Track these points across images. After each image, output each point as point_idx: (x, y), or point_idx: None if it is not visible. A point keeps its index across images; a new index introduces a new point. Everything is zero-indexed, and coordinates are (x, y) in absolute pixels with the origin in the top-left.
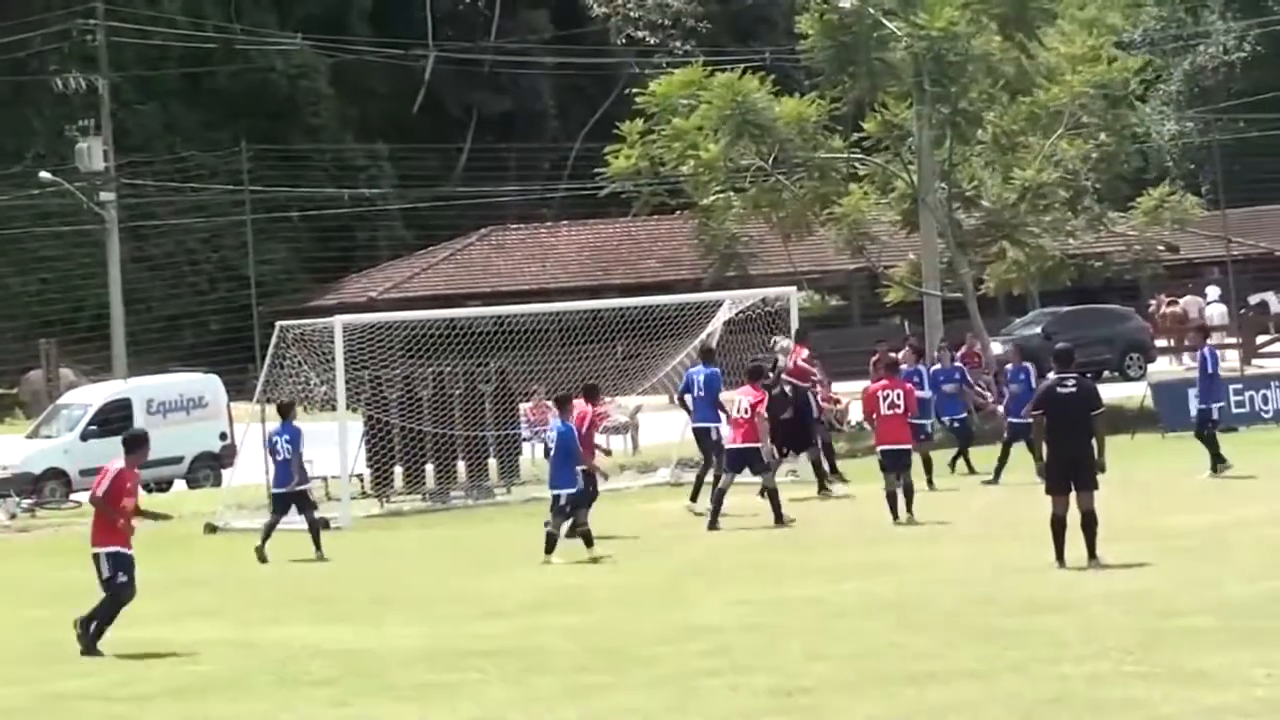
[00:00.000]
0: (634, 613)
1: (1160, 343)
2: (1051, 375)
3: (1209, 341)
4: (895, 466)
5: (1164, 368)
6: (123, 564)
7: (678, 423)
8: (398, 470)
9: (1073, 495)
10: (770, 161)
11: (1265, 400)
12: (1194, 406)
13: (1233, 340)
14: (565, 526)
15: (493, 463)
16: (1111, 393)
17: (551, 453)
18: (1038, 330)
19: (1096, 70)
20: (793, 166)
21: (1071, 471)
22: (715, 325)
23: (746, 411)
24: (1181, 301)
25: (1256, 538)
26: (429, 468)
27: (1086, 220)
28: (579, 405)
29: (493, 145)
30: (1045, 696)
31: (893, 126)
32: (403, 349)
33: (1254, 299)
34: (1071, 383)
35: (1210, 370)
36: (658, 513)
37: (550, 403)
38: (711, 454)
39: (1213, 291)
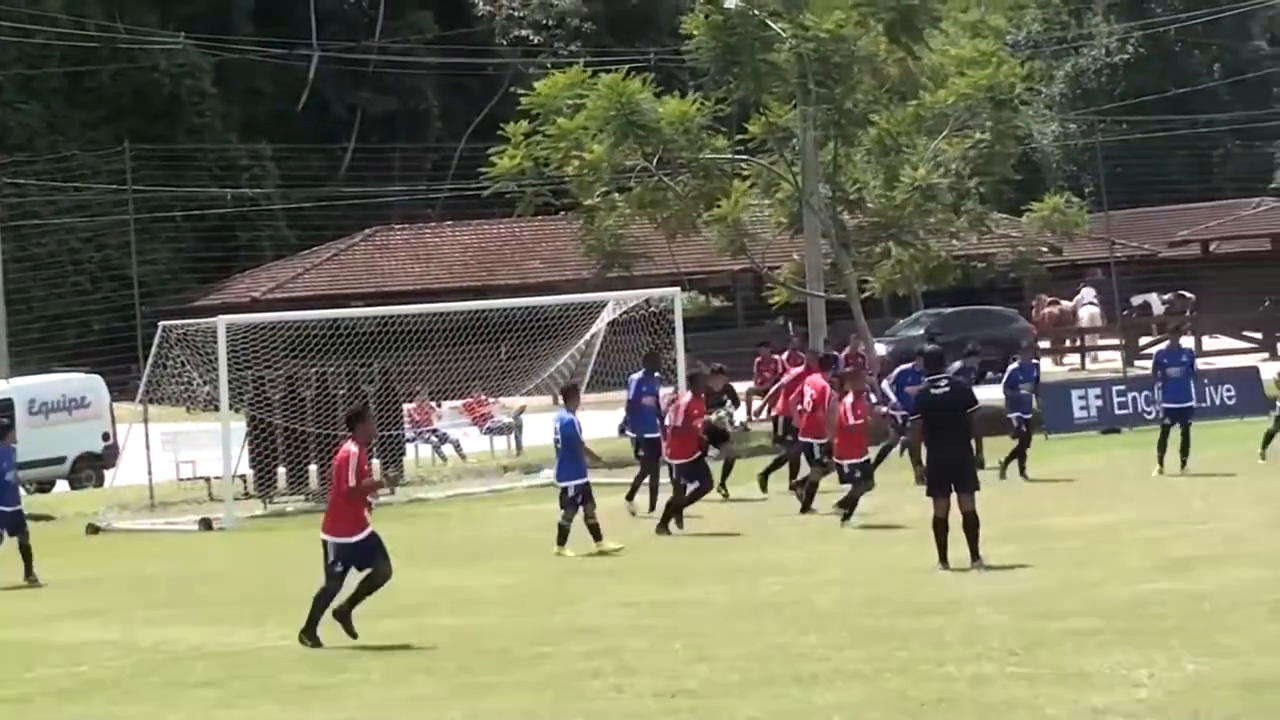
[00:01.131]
0: (519, 613)
1: (1043, 344)
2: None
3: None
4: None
5: (1047, 369)
6: (344, 554)
7: None
8: (281, 471)
9: (954, 497)
10: (654, 162)
11: (1149, 402)
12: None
13: (1114, 342)
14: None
15: (376, 463)
16: (994, 394)
17: (558, 445)
18: (921, 331)
19: (985, 73)
20: (677, 167)
21: (952, 474)
22: (599, 326)
23: (810, 404)
24: (1069, 303)
25: (1138, 539)
26: (312, 468)
27: (970, 221)
28: (684, 395)
29: (377, 145)
30: (929, 698)
31: (777, 128)
32: (286, 349)
33: (1136, 300)
34: (944, 384)
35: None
36: (544, 513)
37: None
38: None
39: (1087, 293)
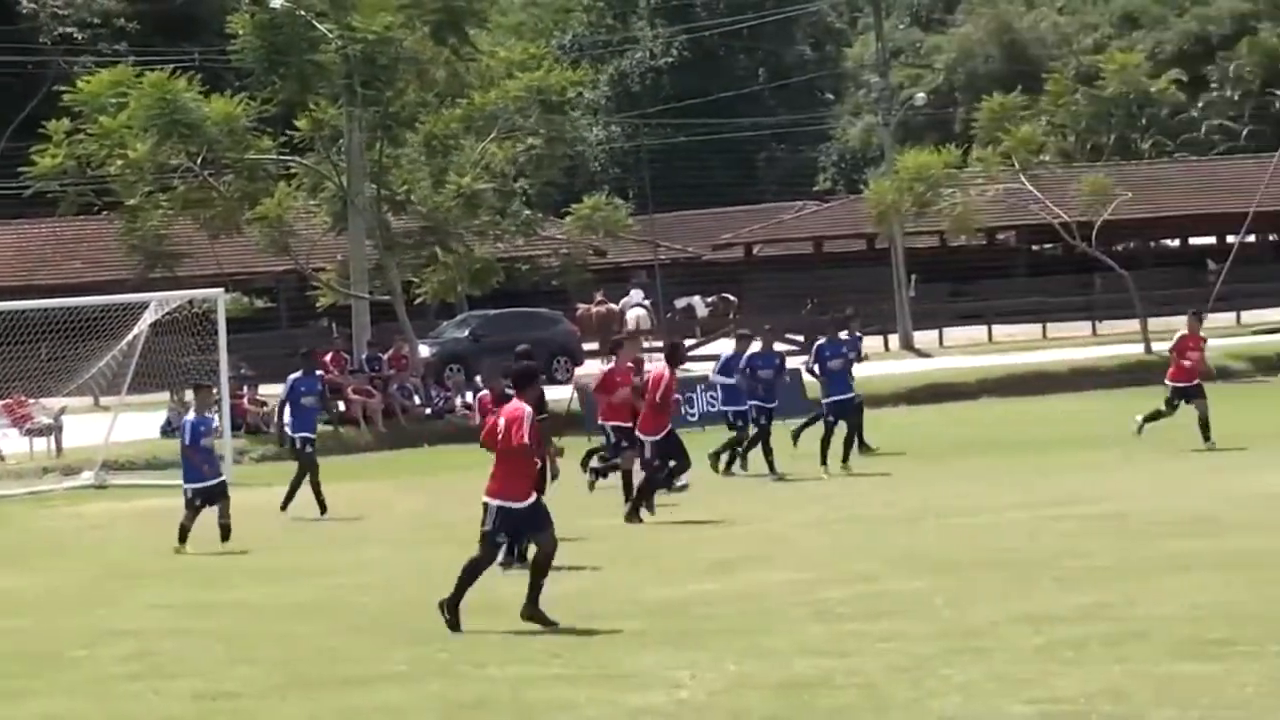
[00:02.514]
0: (55, 616)
1: (589, 345)
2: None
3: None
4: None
5: (592, 370)
6: (507, 521)
7: (103, 425)
8: None
9: None
10: (199, 161)
11: (690, 404)
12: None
13: (659, 344)
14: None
15: None
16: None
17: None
18: (466, 333)
19: (535, 76)
20: (221, 167)
21: None
22: (142, 327)
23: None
24: (615, 305)
25: (678, 540)
26: None
27: (516, 224)
28: (660, 369)
29: None
30: (470, 699)
31: (323, 126)
32: None
33: (680, 303)
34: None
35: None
36: (83, 515)
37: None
38: None
39: (636, 294)
